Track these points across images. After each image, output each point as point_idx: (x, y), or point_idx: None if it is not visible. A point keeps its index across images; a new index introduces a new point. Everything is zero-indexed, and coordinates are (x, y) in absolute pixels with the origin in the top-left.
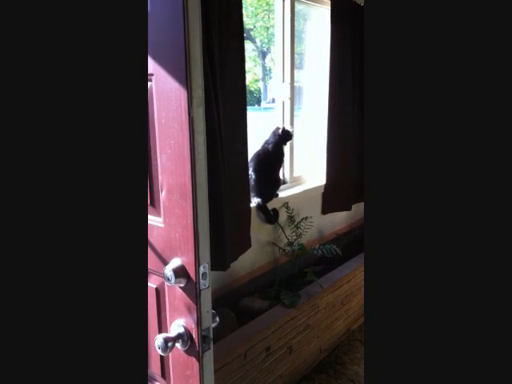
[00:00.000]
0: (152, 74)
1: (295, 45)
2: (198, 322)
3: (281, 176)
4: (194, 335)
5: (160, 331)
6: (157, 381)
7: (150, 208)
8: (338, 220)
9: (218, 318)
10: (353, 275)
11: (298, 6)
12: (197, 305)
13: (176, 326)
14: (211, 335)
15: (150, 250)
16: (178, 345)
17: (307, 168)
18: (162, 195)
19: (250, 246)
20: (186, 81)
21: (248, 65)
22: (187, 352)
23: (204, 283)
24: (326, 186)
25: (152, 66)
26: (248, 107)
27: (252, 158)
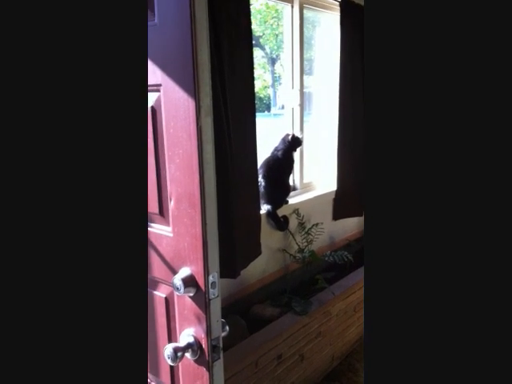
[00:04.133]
0: (160, 85)
1: (304, 51)
2: (208, 332)
3: (291, 182)
4: (204, 345)
5: (170, 341)
6: None
7: (158, 217)
8: (350, 226)
9: (227, 327)
10: None
11: (306, 13)
12: (206, 314)
13: (185, 336)
14: (221, 345)
15: (158, 260)
16: (187, 354)
17: (317, 174)
18: (171, 205)
19: (260, 253)
20: (194, 90)
21: (257, 71)
22: (197, 362)
23: (213, 292)
24: (337, 191)
25: (160, 75)
26: (258, 114)
27: (262, 165)
